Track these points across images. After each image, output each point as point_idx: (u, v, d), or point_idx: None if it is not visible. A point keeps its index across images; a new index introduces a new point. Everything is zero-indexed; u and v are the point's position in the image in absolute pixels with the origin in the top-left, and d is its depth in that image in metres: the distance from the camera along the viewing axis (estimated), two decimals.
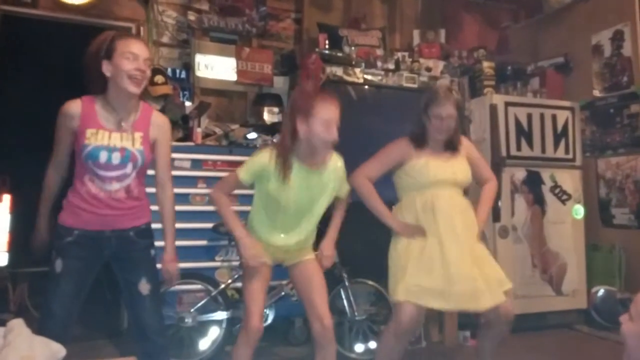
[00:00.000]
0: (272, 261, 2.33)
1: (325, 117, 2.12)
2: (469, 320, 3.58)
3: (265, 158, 2.19)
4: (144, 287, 2.12)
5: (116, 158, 2.04)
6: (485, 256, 2.50)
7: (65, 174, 2.18)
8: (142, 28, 4.16)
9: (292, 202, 2.22)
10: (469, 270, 2.36)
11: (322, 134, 2.12)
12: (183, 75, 4.19)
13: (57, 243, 2.07)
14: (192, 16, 4.22)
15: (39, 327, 1.98)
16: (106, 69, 2.03)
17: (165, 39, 4.26)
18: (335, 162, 2.32)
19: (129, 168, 2.08)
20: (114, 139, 2.05)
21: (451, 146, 2.56)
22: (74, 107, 2.06)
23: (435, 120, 2.49)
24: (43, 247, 2.20)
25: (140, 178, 2.15)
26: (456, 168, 2.54)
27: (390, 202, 2.63)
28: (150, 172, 2.23)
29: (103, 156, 2.03)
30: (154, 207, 2.27)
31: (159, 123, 2.21)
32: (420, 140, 2.55)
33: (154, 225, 2.25)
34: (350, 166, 2.48)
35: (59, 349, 1.47)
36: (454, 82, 4.40)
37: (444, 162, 2.52)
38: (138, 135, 2.11)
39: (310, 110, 2.12)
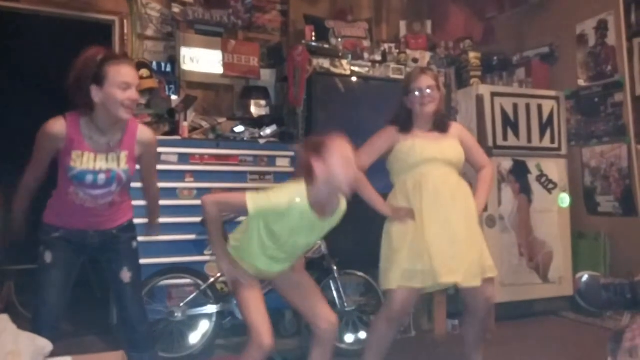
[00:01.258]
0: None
1: (345, 155, 2.00)
2: (458, 310, 3.62)
3: (281, 205, 2.02)
4: (125, 275, 2.19)
5: (102, 179, 2.06)
6: (475, 240, 2.50)
7: (45, 178, 2.18)
8: (125, 21, 4.10)
9: (290, 243, 2.14)
10: (446, 248, 2.37)
11: (343, 176, 1.99)
12: (168, 68, 4.14)
13: (44, 238, 2.12)
14: (176, 9, 4.18)
15: (33, 317, 2.06)
16: (96, 94, 1.97)
17: (149, 32, 4.21)
18: (343, 206, 2.17)
19: (114, 187, 2.12)
20: (100, 161, 2.06)
21: (439, 126, 2.56)
22: (58, 128, 2.01)
23: (417, 94, 2.49)
24: (19, 240, 2.24)
25: (125, 189, 2.21)
26: (445, 147, 2.53)
27: (382, 192, 2.64)
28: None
29: (89, 178, 2.05)
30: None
31: (145, 141, 2.19)
32: (405, 124, 2.56)
33: (137, 220, 2.31)
34: None
35: (46, 344, 1.46)
36: (441, 73, 4.42)
37: (432, 141, 2.52)
38: (124, 154, 2.11)
39: (326, 152, 1.99)
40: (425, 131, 2.55)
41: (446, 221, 2.42)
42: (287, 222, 2.05)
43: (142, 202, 2.47)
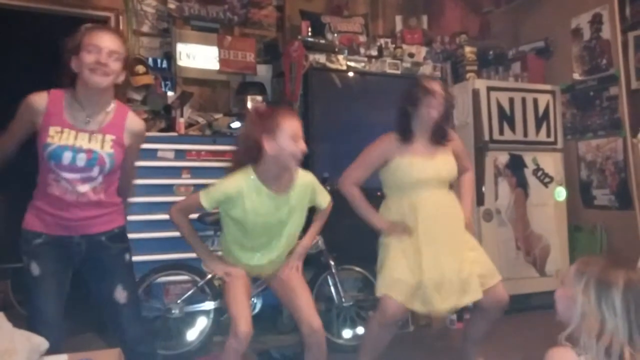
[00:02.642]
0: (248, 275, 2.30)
1: (293, 130, 2.10)
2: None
3: (227, 186, 2.13)
4: (121, 295, 1.99)
5: (81, 160, 1.89)
6: (471, 252, 2.51)
7: (10, 156, 2.04)
8: (121, 17, 4.09)
9: (259, 227, 2.16)
10: (441, 274, 2.38)
11: (292, 148, 2.08)
12: (164, 64, 4.14)
13: (25, 248, 1.95)
14: (172, 5, 4.17)
15: (29, 327, 1.88)
16: (74, 64, 1.90)
17: (145, 28, 4.20)
18: (303, 180, 2.24)
19: (95, 171, 1.93)
20: (81, 139, 1.91)
21: (439, 138, 2.53)
22: (40, 100, 1.92)
23: (428, 98, 2.44)
24: None
25: (110, 181, 2.01)
26: (440, 165, 2.51)
27: (377, 189, 2.65)
28: None
29: (67, 157, 1.88)
30: (145, 199, 2.26)
31: (135, 130, 2.07)
32: (406, 133, 2.52)
33: (148, 217, 2.23)
34: (336, 153, 2.49)
35: (41, 342, 1.46)
36: (437, 67, 4.42)
37: (429, 159, 2.49)
38: (109, 137, 1.96)
39: (276, 127, 2.08)
40: (424, 143, 2.52)
41: (441, 247, 2.42)
42: (245, 204, 2.10)
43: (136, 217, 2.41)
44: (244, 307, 2.15)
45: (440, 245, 2.42)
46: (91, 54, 1.87)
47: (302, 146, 2.11)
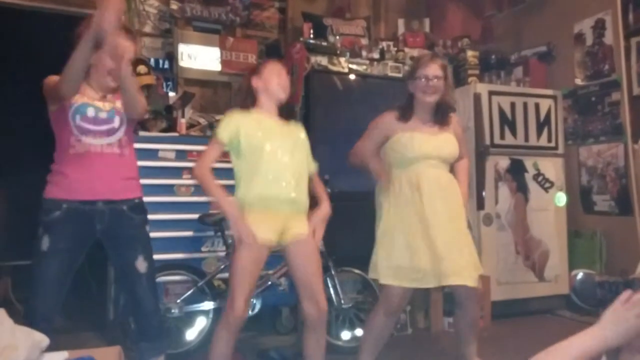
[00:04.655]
0: (270, 234, 2.22)
1: (276, 69, 2.39)
2: (454, 307, 3.62)
3: (235, 114, 2.32)
4: (142, 265, 2.09)
5: (103, 114, 2.07)
6: (466, 238, 2.52)
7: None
8: (123, 17, 4.09)
9: (276, 146, 2.26)
10: (450, 249, 2.39)
11: (276, 80, 2.35)
12: (166, 65, 4.14)
13: (44, 218, 1.98)
14: (174, 5, 4.18)
15: (27, 308, 1.97)
16: (92, 57, 2.01)
17: (147, 29, 4.21)
18: (301, 131, 2.46)
19: (116, 122, 2.09)
20: (98, 102, 2.09)
21: (440, 118, 2.53)
22: (57, 76, 2.03)
23: (423, 82, 2.44)
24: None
25: (129, 135, 2.16)
26: (442, 143, 2.50)
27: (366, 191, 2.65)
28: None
29: (90, 111, 2.04)
30: (145, 199, 2.26)
31: None
32: (406, 111, 2.52)
33: (146, 199, 2.24)
34: (336, 156, 2.49)
35: (42, 339, 1.46)
36: None
37: (431, 135, 2.49)
38: (119, 102, 2.13)
39: (262, 67, 2.41)
40: (425, 122, 2.52)
41: (444, 225, 2.43)
42: (253, 126, 2.27)
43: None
44: (246, 286, 2.16)
45: (444, 222, 2.43)
46: (114, 60, 2.00)
47: (283, 81, 2.37)
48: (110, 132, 2.07)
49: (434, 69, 2.47)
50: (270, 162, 2.24)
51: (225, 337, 2.19)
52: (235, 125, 2.26)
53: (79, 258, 2.06)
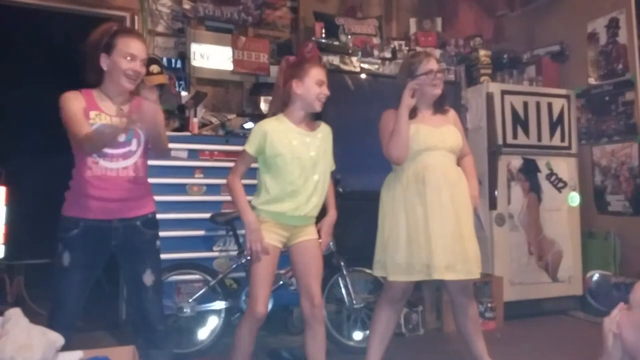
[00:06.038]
0: (279, 242, 2.35)
1: (319, 76, 2.33)
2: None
3: (262, 125, 2.34)
4: (149, 278, 2.16)
5: (121, 136, 2.06)
6: (470, 233, 2.52)
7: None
8: (136, 17, 4.12)
9: (296, 164, 2.29)
10: (449, 243, 2.40)
11: (317, 90, 2.32)
12: (179, 64, 4.17)
13: (63, 235, 2.07)
14: (187, 5, 4.20)
15: (49, 318, 2.03)
16: (104, 62, 2.07)
17: (160, 28, 4.23)
18: (325, 128, 2.45)
19: (134, 145, 2.12)
20: (115, 122, 2.09)
21: (440, 108, 2.60)
22: (75, 93, 2.09)
23: (428, 76, 2.50)
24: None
25: (145, 158, 2.18)
26: (446, 134, 2.55)
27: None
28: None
29: None
30: (157, 198, 2.31)
31: None
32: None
33: (159, 216, 2.28)
34: (348, 155, 2.48)
35: (57, 338, 1.46)
36: (451, 70, 4.40)
37: (435, 127, 2.54)
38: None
39: (304, 73, 2.32)
40: (428, 116, 2.57)
41: (448, 217, 2.44)
42: (280, 140, 2.29)
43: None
44: (265, 290, 2.32)
45: (449, 213, 2.44)
46: (128, 61, 2.06)
47: (325, 91, 2.33)
48: (127, 155, 2.11)
49: (433, 63, 2.56)
50: (289, 173, 2.30)
51: (247, 335, 2.32)
52: (262, 137, 2.31)
53: (97, 271, 2.18)
